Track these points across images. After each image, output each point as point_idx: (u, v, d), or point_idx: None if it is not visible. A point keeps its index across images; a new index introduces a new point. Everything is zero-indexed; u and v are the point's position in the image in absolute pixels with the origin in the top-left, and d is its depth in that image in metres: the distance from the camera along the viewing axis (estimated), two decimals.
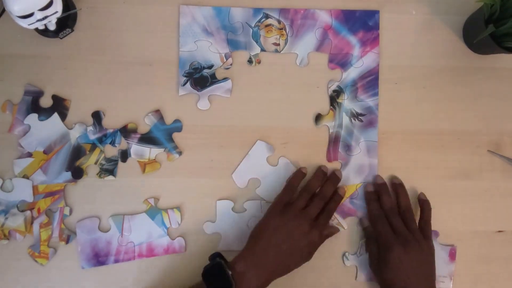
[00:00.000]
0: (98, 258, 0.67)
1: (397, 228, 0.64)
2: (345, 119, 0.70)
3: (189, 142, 0.69)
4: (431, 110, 0.71)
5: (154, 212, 0.68)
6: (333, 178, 0.68)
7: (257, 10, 0.70)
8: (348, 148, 0.70)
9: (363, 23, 0.70)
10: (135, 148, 0.68)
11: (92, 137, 0.68)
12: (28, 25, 0.59)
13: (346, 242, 0.69)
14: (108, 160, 0.68)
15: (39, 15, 0.58)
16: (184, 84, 0.69)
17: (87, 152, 0.67)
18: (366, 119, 0.70)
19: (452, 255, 0.69)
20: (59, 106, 0.67)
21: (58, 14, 0.61)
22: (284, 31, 0.70)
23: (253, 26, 0.70)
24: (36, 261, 0.66)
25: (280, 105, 0.70)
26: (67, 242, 0.66)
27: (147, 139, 0.68)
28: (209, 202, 0.69)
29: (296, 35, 0.70)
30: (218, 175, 0.69)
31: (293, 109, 0.70)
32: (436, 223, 0.70)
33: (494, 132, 0.72)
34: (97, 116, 0.68)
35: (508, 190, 0.71)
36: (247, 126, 0.69)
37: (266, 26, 0.70)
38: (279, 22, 0.70)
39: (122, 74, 0.68)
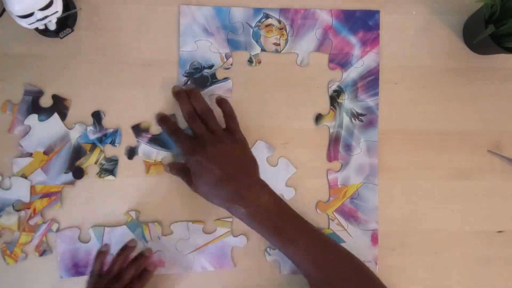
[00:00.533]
0: (77, 269, 0.66)
1: (197, 132, 0.63)
2: (346, 119, 0.70)
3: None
4: (431, 110, 0.71)
5: (134, 225, 0.67)
6: (139, 257, 0.65)
7: (257, 10, 0.70)
8: (348, 148, 0.70)
9: (364, 23, 0.70)
10: (144, 148, 0.68)
11: (92, 136, 0.67)
12: (28, 24, 0.59)
13: None
14: (108, 160, 0.67)
15: (39, 14, 0.58)
16: (185, 84, 0.69)
17: (88, 152, 0.67)
18: (367, 119, 0.70)
19: (374, 239, 0.69)
20: (59, 106, 0.67)
21: (58, 14, 0.61)
22: (284, 31, 0.70)
23: (253, 26, 0.70)
24: (4, 258, 0.66)
25: (280, 105, 0.70)
26: (41, 255, 0.66)
27: (157, 140, 0.68)
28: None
29: (296, 35, 0.70)
30: None
31: (293, 109, 0.70)
32: (435, 223, 0.71)
33: (494, 132, 0.72)
34: (97, 116, 0.68)
35: (508, 190, 0.71)
36: (247, 126, 0.69)
37: (267, 26, 0.70)
38: (279, 22, 0.70)
39: (122, 74, 0.68)
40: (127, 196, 0.68)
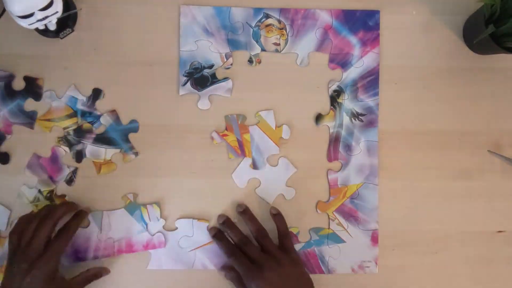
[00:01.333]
0: (77, 254, 0.66)
1: (253, 256, 0.63)
2: (346, 119, 0.70)
3: (189, 141, 0.69)
4: (431, 110, 0.71)
5: (133, 207, 0.67)
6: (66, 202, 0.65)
7: (257, 10, 0.70)
8: (348, 148, 0.70)
9: (364, 23, 0.70)
10: (91, 149, 0.68)
11: (80, 106, 0.67)
12: (29, 25, 0.59)
13: None
14: (76, 134, 0.67)
15: (39, 15, 0.58)
16: (185, 84, 0.69)
17: (63, 116, 0.67)
18: (367, 119, 0.70)
19: (374, 239, 0.69)
20: (33, 87, 0.67)
21: (59, 14, 0.61)
22: (284, 31, 0.70)
23: (253, 26, 0.70)
24: None
25: (280, 105, 0.70)
26: None
27: (103, 139, 0.68)
28: (210, 202, 0.69)
29: (296, 35, 0.70)
30: (218, 175, 0.69)
31: (293, 109, 0.70)
32: (435, 223, 0.71)
33: (494, 132, 0.72)
34: (96, 93, 0.68)
35: (508, 190, 0.71)
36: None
37: (267, 26, 0.70)
38: (279, 22, 0.70)
39: (122, 74, 0.68)
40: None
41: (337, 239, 0.69)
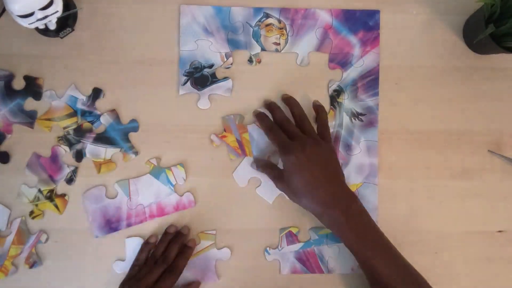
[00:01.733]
0: (110, 225, 0.67)
1: (293, 133, 0.63)
2: (346, 119, 0.70)
3: (189, 141, 0.69)
4: (431, 110, 0.71)
5: (157, 171, 0.68)
6: (178, 236, 0.66)
7: (257, 10, 0.70)
8: (348, 147, 0.70)
9: (364, 23, 0.70)
10: (91, 148, 0.68)
11: (80, 106, 0.67)
12: (29, 24, 0.59)
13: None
14: (76, 133, 0.67)
15: (39, 14, 0.58)
16: (185, 84, 0.69)
17: (63, 116, 0.67)
18: (367, 118, 0.70)
19: None
20: (33, 86, 0.67)
21: (59, 14, 0.61)
22: (284, 31, 0.70)
23: (253, 25, 0.70)
24: None
25: (279, 105, 0.70)
26: (31, 267, 0.66)
27: (103, 138, 0.68)
28: (209, 201, 0.69)
29: (296, 34, 0.70)
30: (219, 175, 0.69)
31: None
32: (435, 223, 0.71)
33: (494, 132, 0.72)
34: (96, 93, 0.68)
35: (508, 190, 0.71)
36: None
37: (267, 25, 0.70)
38: (279, 21, 0.70)
39: (122, 74, 0.68)
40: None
41: (336, 239, 0.69)
